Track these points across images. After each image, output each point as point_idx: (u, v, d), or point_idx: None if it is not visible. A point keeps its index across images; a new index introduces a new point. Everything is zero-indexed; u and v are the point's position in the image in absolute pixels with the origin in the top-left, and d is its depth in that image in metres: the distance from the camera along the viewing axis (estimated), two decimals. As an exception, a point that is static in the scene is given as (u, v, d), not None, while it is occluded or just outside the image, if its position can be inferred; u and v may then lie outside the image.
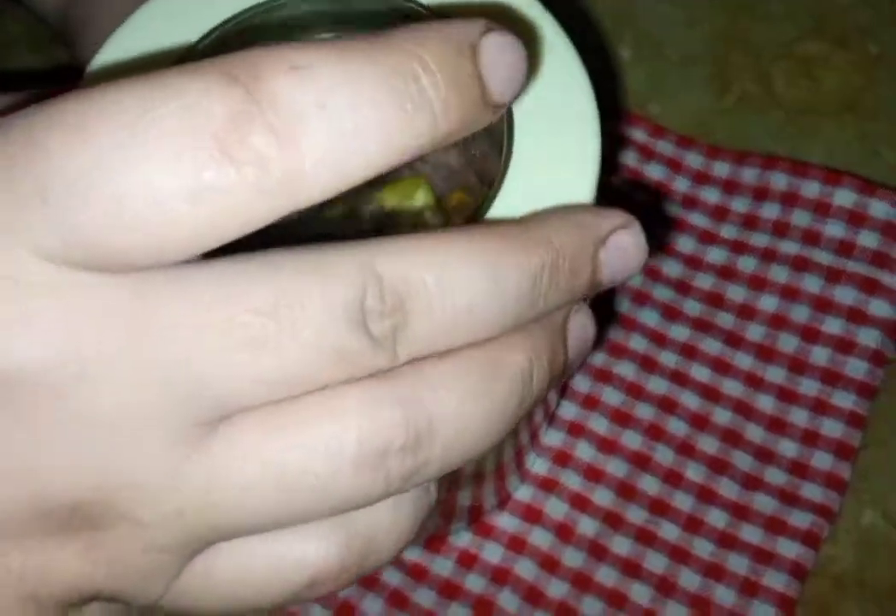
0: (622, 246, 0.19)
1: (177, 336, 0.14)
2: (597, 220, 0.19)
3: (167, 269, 0.15)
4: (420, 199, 0.28)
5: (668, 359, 0.39)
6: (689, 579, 0.36)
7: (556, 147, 0.22)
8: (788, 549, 0.36)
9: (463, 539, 0.37)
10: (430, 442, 0.16)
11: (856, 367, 0.38)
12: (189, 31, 0.24)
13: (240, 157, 0.14)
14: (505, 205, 0.21)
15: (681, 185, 0.43)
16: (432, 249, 0.16)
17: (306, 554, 0.17)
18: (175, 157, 0.14)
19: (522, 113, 0.22)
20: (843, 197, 0.40)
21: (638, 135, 0.43)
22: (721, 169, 0.42)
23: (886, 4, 0.48)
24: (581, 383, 0.39)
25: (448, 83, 0.15)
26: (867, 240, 0.39)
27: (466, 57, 0.16)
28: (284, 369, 0.15)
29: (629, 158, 0.43)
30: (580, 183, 0.22)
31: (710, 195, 0.42)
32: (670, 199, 0.42)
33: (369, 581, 0.36)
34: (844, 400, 0.38)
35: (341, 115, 0.14)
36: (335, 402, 0.16)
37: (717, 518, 0.37)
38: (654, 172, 0.43)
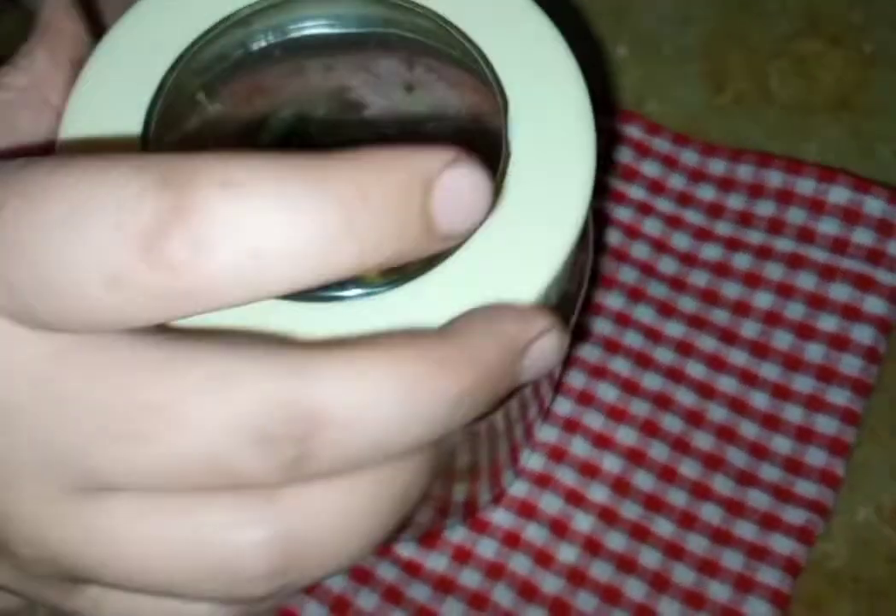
0: (544, 351, 0.18)
1: (70, 407, 0.15)
2: (523, 330, 0.18)
3: (99, 337, 0.15)
4: None
5: (664, 355, 0.40)
6: (683, 575, 0.36)
7: (552, 144, 0.22)
8: (783, 545, 0.36)
9: (458, 534, 0.37)
10: (298, 563, 0.16)
11: (850, 364, 0.38)
12: (187, 26, 0.24)
13: (156, 259, 0.15)
14: (504, 204, 0.21)
15: (676, 182, 0.43)
16: (347, 377, 0.16)
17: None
18: (101, 247, 0.15)
19: (516, 111, 0.23)
20: (838, 194, 0.40)
21: (634, 132, 0.43)
22: (716, 166, 0.42)
23: (880, 3, 0.48)
24: (576, 379, 0.39)
25: (387, 218, 0.15)
26: (862, 237, 0.39)
27: (416, 194, 0.16)
28: (161, 468, 0.15)
29: (625, 155, 0.43)
30: (576, 182, 0.22)
31: (706, 192, 0.42)
32: (666, 197, 0.42)
33: (364, 576, 0.36)
34: (839, 397, 0.38)
35: (260, 236, 0.15)
36: (202, 509, 0.16)
37: (711, 514, 0.37)
38: (649, 170, 0.43)
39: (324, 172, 0.15)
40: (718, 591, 0.35)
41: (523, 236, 0.21)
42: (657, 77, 0.46)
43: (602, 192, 0.42)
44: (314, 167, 0.15)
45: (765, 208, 0.41)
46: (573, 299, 0.26)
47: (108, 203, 0.15)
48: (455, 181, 0.16)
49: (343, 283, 0.22)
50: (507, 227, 0.21)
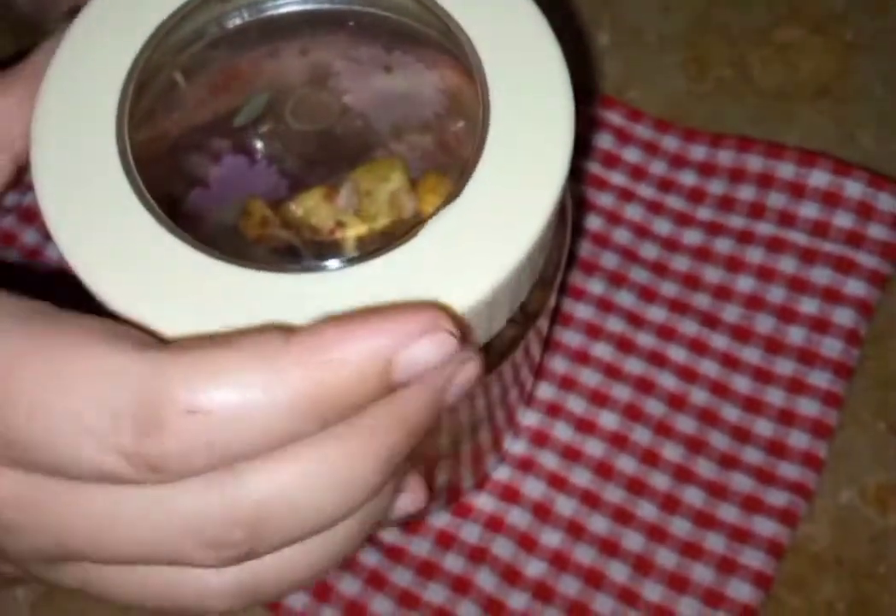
0: (464, 382, 0.19)
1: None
2: (449, 374, 0.18)
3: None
4: (395, 180, 0.28)
5: (646, 340, 0.40)
6: (666, 558, 0.36)
7: (530, 126, 0.22)
8: (765, 527, 0.36)
9: (441, 519, 0.37)
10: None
11: (832, 347, 0.38)
12: (161, 3, 0.24)
13: (136, 462, 0.17)
14: (480, 185, 0.21)
15: (657, 167, 0.43)
16: (280, 474, 0.17)
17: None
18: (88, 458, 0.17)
19: (497, 91, 0.23)
20: (818, 178, 0.40)
21: (615, 118, 0.43)
22: (697, 152, 0.43)
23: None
24: (558, 364, 0.39)
25: (348, 398, 0.17)
26: (842, 220, 0.40)
27: (374, 377, 0.17)
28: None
29: (606, 142, 0.43)
30: (554, 161, 0.22)
31: (687, 178, 0.42)
32: (647, 182, 0.42)
33: (347, 562, 0.35)
34: (820, 379, 0.38)
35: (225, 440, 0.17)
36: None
37: (694, 497, 0.37)
38: (630, 155, 0.43)
39: (283, 367, 0.17)
40: (702, 574, 0.35)
41: (499, 215, 0.21)
42: (639, 65, 0.46)
43: (582, 178, 0.43)
44: (273, 366, 0.17)
45: (746, 193, 0.41)
46: (550, 281, 0.26)
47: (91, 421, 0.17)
48: (420, 351, 0.17)
49: (323, 255, 0.22)
50: (482, 205, 0.21)
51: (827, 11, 0.48)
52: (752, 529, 0.36)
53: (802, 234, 0.40)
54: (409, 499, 0.22)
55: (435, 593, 0.35)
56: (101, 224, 0.21)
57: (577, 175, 0.43)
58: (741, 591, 0.35)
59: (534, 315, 0.25)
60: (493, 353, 0.24)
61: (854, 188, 0.39)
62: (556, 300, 0.40)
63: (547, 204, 0.21)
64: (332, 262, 0.21)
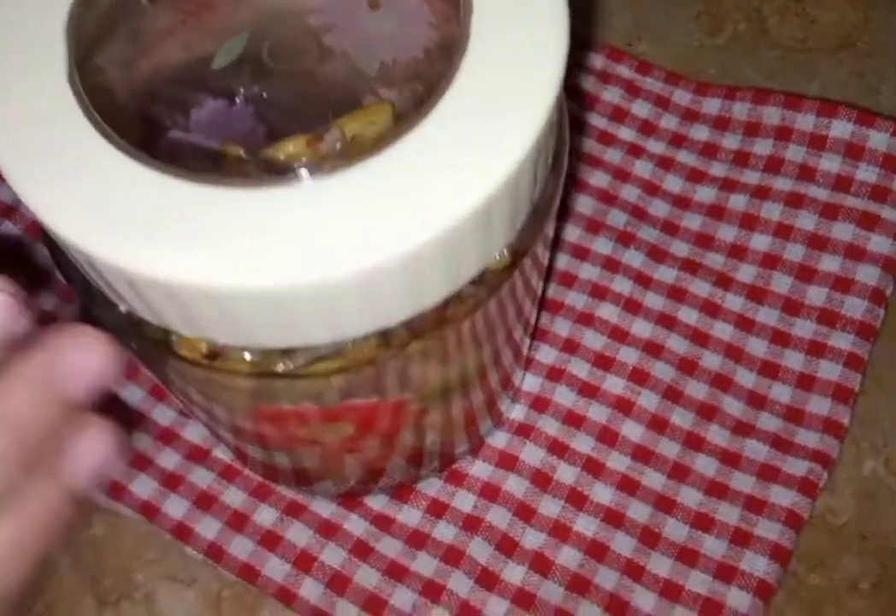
0: (90, 369, 0.18)
1: None
2: (49, 362, 0.17)
3: None
4: (384, 124, 0.26)
5: (654, 301, 0.37)
6: (674, 529, 0.33)
7: (521, 28, 0.20)
8: (783, 497, 0.33)
9: (432, 487, 0.34)
10: None
11: (854, 306, 0.36)
12: None
13: None
14: (466, 87, 0.19)
15: (669, 122, 0.40)
16: None
17: None
18: None
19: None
20: (840, 129, 0.37)
21: (624, 71, 0.41)
22: (711, 105, 0.40)
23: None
24: (561, 326, 0.37)
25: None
26: (865, 173, 0.37)
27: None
28: None
29: (614, 95, 0.41)
30: (547, 65, 0.20)
31: (700, 133, 0.40)
32: (657, 138, 0.40)
33: (331, 530, 0.33)
34: (842, 341, 0.35)
35: None
36: None
37: (705, 465, 0.34)
38: (640, 110, 0.40)
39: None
40: (713, 546, 0.33)
41: (489, 120, 0.19)
42: (650, 18, 0.44)
43: (589, 133, 0.40)
44: None
45: (762, 147, 0.39)
46: (548, 204, 0.23)
47: None
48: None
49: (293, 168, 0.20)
50: (472, 111, 0.19)
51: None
52: (769, 500, 0.33)
53: (823, 189, 0.37)
54: (92, 446, 0.19)
55: (424, 564, 0.33)
56: (41, 136, 0.19)
57: (583, 130, 0.40)
58: (756, 564, 0.32)
59: (530, 241, 0.23)
60: (489, 283, 0.22)
61: (878, 139, 0.37)
62: (553, 258, 0.38)
63: (542, 107, 0.19)
64: (304, 173, 0.18)
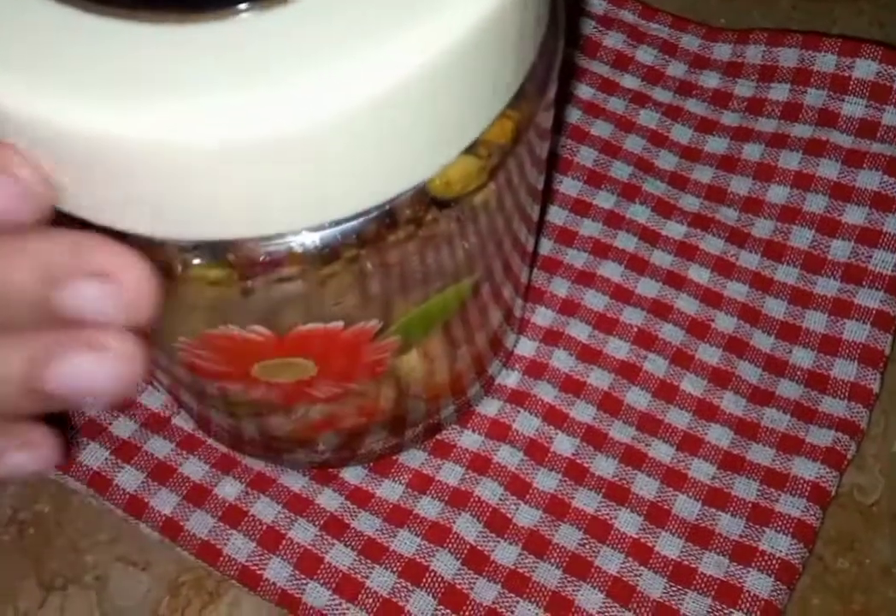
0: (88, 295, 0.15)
1: None
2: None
3: None
4: None
5: (662, 259, 0.34)
6: (685, 506, 0.30)
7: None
8: (806, 469, 0.30)
9: (416, 459, 0.31)
10: None
11: (883, 261, 0.32)
12: None
13: None
14: None
15: (676, 69, 0.37)
16: None
17: None
18: None
19: None
20: (864, 69, 0.34)
21: (626, 16, 0.38)
22: (722, 51, 0.37)
23: None
24: (559, 286, 0.33)
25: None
26: (893, 117, 0.34)
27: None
28: None
29: (617, 41, 0.37)
30: None
31: (710, 80, 0.37)
32: (663, 86, 0.37)
33: (301, 505, 0.30)
34: (869, 298, 0.32)
35: None
36: None
37: (719, 436, 0.31)
38: (645, 57, 0.37)
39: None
40: (728, 525, 0.29)
41: None
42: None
43: (591, 80, 0.37)
44: None
45: (778, 92, 0.35)
46: (549, 61, 0.20)
47: None
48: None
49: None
50: None
51: None
52: (791, 473, 0.30)
53: (846, 135, 0.34)
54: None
55: (405, 542, 0.29)
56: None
57: (583, 77, 0.37)
58: (777, 544, 0.29)
59: (533, 108, 0.19)
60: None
61: (907, 79, 0.34)
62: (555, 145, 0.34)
63: None
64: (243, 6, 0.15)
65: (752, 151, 0.35)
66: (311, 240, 0.17)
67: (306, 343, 0.20)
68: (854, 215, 0.33)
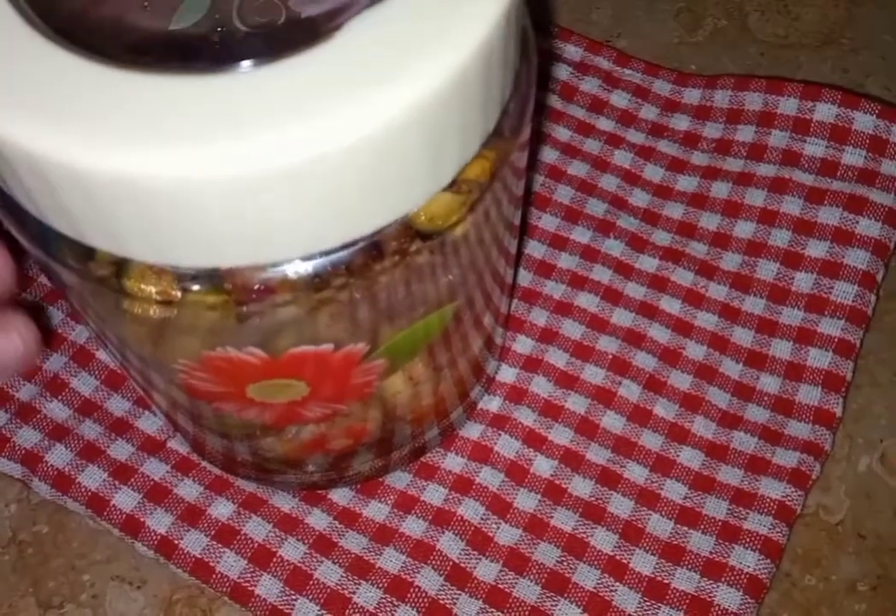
0: None
1: None
2: None
3: None
4: None
5: (635, 290, 0.35)
6: (658, 524, 0.31)
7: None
8: (773, 489, 0.31)
9: (401, 481, 0.32)
10: None
11: (844, 292, 0.34)
12: None
13: None
14: None
15: (648, 113, 0.39)
16: None
17: None
18: None
19: None
20: (824, 112, 0.36)
21: (602, 62, 0.40)
22: (691, 95, 0.39)
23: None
24: (537, 316, 0.35)
25: None
26: (852, 157, 0.36)
27: None
28: None
29: (592, 86, 0.40)
30: None
31: (680, 122, 0.39)
32: (637, 128, 0.39)
33: (291, 524, 0.31)
34: (832, 327, 0.34)
35: None
36: None
37: (690, 458, 0.32)
38: (619, 101, 0.39)
39: None
40: (699, 542, 0.31)
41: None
42: (627, 14, 0.43)
43: (568, 124, 0.39)
44: None
45: (744, 134, 0.37)
46: (523, 99, 0.22)
47: None
48: None
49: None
50: None
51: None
52: (758, 492, 0.31)
53: (808, 174, 0.36)
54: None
55: (390, 560, 0.30)
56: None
57: (560, 120, 0.39)
58: (746, 560, 0.30)
59: (508, 146, 0.21)
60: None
61: (864, 121, 0.36)
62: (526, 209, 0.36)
63: None
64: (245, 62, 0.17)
65: (720, 189, 0.37)
66: (303, 268, 0.19)
67: (299, 365, 0.22)
68: (816, 249, 0.35)
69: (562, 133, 0.39)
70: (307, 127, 0.16)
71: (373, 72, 0.17)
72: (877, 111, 0.36)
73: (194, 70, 0.17)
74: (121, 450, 0.32)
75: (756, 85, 0.37)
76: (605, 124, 0.39)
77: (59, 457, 0.32)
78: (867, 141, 0.36)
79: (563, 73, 0.40)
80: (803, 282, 0.35)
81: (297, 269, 0.19)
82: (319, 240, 0.19)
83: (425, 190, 0.19)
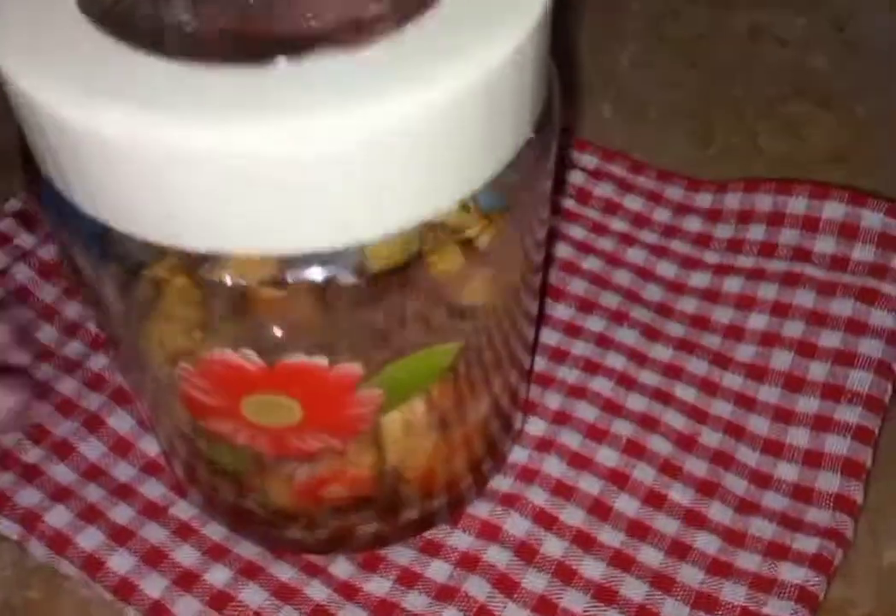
0: None
1: None
2: None
3: None
4: None
5: (650, 378, 0.35)
6: (674, 610, 0.30)
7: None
8: (794, 574, 0.30)
9: (405, 557, 0.31)
10: None
11: (860, 380, 0.34)
12: None
13: None
14: None
15: (661, 215, 0.40)
16: None
17: None
18: None
19: None
20: (832, 210, 0.37)
21: (616, 170, 0.42)
22: (703, 199, 0.40)
23: (867, 71, 0.48)
24: (551, 399, 0.35)
25: None
26: (862, 253, 0.36)
27: None
28: None
29: (606, 190, 0.41)
30: None
31: (692, 224, 0.40)
32: (650, 229, 0.40)
33: (290, 593, 0.30)
34: (849, 414, 0.33)
35: None
36: None
37: (706, 543, 0.31)
38: (632, 204, 0.41)
39: None
40: (717, 629, 0.29)
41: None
42: (642, 133, 0.46)
43: (581, 223, 0.40)
44: None
45: (755, 233, 0.38)
46: (548, 124, 0.23)
47: None
48: None
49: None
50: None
51: (834, 89, 0.47)
52: (778, 578, 0.30)
53: (819, 270, 0.37)
54: None
55: (390, 634, 0.29)
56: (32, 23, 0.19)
57: (575, 220, 0.40)
58: (767, 646, 0.28)
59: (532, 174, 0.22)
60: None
61: (873, 219, 0.37)
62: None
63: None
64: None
65: (732, 285, 0.37)
66: (305, 268, 0.20)
67: (292, 377, 0.22)
68: (830, 339, 0.35)
69: (577, 232, 0.40)
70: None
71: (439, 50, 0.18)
72: (885, 208, 0.37)
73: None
74: (121, 513, 0.31)
75: (766, 186, 0.39)
76: (618, 225, 0.40)
77: (58, 518, 0.31)
78: (876, 237, 0.36)
79: (578, 178, 0.41)
80: (818, 370, 0.34)
81: (302, 269, 0.20)
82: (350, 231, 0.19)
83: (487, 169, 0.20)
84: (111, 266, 0.21)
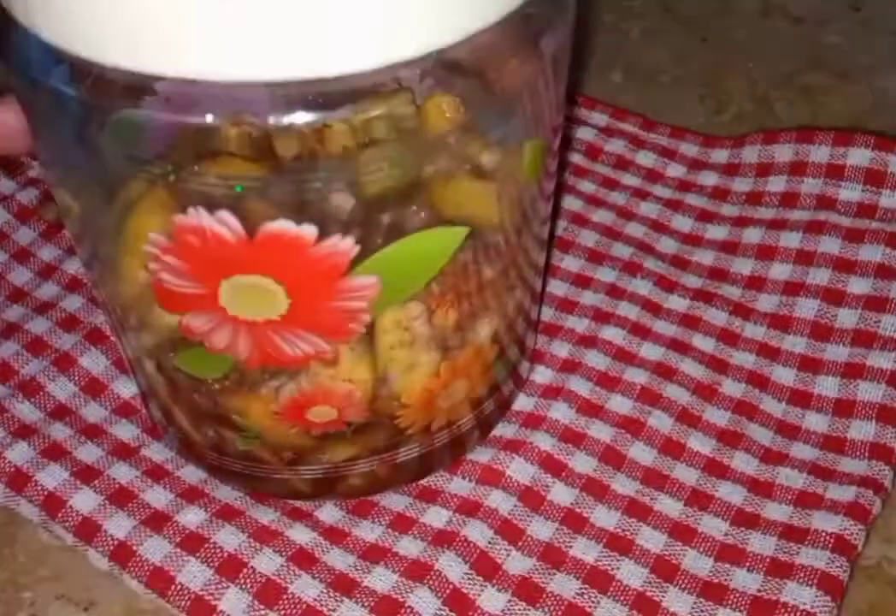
0: None
1: None
2: None
3: None
4: None
5: (665, 327, 0.33)
6: (696, 561, 0.27)
7: None
8: (828, 523, 0.27)
9: (398, 503, 0.28)
10: None
11: (891, 325, 0.31)
12: None
13: None
14: None
15: (675, 171, 0.38)
16: None
17: None
18: None
19: None
20: (858, 156, 0.35)
21: (627, 127, 0.40)
22: (719, 155, 0.38)
23: (887, 47, 0.46)
24: (558, 348, 0.32)
25: None
26: (890, 200, 0.34)
27: None
28: None
29: (618, 147, 0.39)
30: None
31: (708, 179, 0.38)
32: (663, 184, 0.38)
33: (269, 536, 0.27)
34: (883, 360, 0.31)
35: None
36: None
37: (730, 492, 0.28)
38: (645, 160, 0.39)
39: None
40: (745, 580, 0.26)
41: None
42: (653, 99, 0.44)
43: (591, 178, 0.38)
44: None
45: (776, 185, 0.36)
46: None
47: None
48: None
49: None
50: None
51: (851, 63, 0.46)
52: (811, 527, 0.27)
53: (845, 217, 0.34)
54: None
55: (380, 578, 0.26)
56: None
57: (585, 175, 0.38)
58: (801, 597, 0.26)
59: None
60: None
61: (899, 163, 0.34)
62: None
63: None
64: None
65: (752, 235, 0.35)
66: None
67: (275, 251, 0.20)
68: (859, 285, 0.33)
69: (586, 186, 0.38)
70: None
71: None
72: (912, 153, 0.34)
73: None
74: (88, 452, 0.29)
75: (786, 136, 0.37)
76: (630, 180, 0.38)
77: (19, 454, 0.28)
78: (904, 182, 0.34)
79: (588, 134, 0.40)
80: (848, 317, 0.32)
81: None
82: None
83: None
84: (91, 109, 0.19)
